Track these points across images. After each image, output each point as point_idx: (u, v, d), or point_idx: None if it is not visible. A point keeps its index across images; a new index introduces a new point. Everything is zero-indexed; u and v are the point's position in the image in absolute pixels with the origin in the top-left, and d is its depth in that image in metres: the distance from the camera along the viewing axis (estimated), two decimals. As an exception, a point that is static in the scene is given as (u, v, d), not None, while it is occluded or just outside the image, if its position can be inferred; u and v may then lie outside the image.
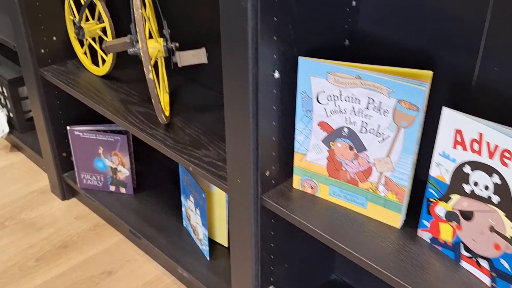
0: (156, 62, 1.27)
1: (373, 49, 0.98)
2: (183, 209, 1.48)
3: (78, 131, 1.54)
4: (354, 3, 0.96)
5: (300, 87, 0.90)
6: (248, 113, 0.90)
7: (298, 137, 0.95)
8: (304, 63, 0.88)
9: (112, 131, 1.55)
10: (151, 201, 1.60)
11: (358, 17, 0.97)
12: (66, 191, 1.74)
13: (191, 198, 1.38)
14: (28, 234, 1.63)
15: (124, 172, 1.59)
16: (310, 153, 0.96)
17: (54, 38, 1.51)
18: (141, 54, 1.09)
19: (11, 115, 1.91)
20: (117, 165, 1.58)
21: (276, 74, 0.89)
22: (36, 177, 1.85)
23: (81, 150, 1.57)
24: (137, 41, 1.22)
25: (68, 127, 1.55)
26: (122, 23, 1.48)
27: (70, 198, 1.76)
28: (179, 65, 1.18)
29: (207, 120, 1.30)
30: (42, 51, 1.50)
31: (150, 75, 1.10)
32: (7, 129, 1.90)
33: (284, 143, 0.98)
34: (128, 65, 1.49)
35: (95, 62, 1.49)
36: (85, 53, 1.50)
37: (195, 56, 1.17)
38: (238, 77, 0.88)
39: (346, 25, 0.98)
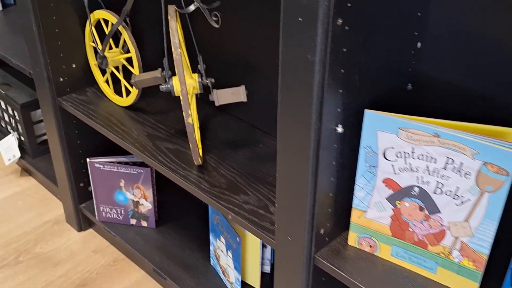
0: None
1: (437, 94, 0.89)
2: (211, 248, 1.39)
3: (98, 164, 1.45)
4: (419, 44, 0.87)
5: (364, 141, 0.82)
6: (307, 170, 0.82)
7: (358, 193, 0.87)
8: (371, 116, 0.79)
9: (135, 163, 1.46)
10: (174, 235, 1.51)
11: (423, 59, 0.89)
12: (83, 221, 1.65)
13: (222, 239, 1.29)
14: (44, 270, 1.53)
15: (147, 206, 1.50)
16: (371, 210, 0.87)
17: (74, 66, 1.41)
18: (180, 97, 0.99)
19: (22, 138, 1.81)
20: (139, 198, 1.49)
21: (339, 129, 0.81)
22: (50, 205, 1.76)
23: (101, 182, 1.48)
24: (170, 77, 1.13)
25: (88, 159, 1.46)
26: (146, 50, 1.39)
27: (87, 229, 1.67)
28: (217, 104, 1.09)
29: (241, 158, 1.21)
30: (61, 79, 1.40)
31: (189, 119, 1.01)
32: (18, 154, 1.80)
33: (341, 199, 0.89)
34: (151, 94, 1.40)
35: (117, 90, 1.40)
36: (106, 81, 1.40)
37: (234, 95, 1.08)
38: (298, 132, 0.80)
39: (410, 68, 0.89)
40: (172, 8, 1.06)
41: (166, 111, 1.37)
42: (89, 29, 1.36)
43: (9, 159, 1.81)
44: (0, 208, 1.74)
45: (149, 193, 1.47)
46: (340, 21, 0.70)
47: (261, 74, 1.20)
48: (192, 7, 1.01)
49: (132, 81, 1.18)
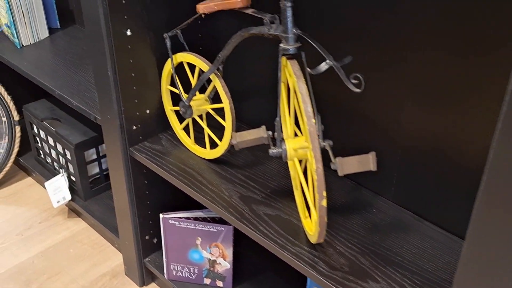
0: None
1: None
2: (306, 319, 1.23)
3: (173, 220, 1.29)
4: None
5: None
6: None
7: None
8: None
9: (213, 219, 1.30)
10: (255, 298, 1.36)
11: None
12: (146, 276, 1.49)
13: (325, 315, 1.14)
14: (108, 334, 1.38)
15: (224, 265, 1.34)
16: None
17: (147, 112, 1.25)
18: (314, 176, 0.83)
19: (72, 178, 1.65)
20: (217, 257, 1.33)
21: None
22: (104, 254, 1.60)
23: (175, 240, 1.32)
24: (282, 140, 0.97)
25: (161, 215, 1.30)
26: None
27: (149, 283, 1.51)
28: (340, 174, 0.93)
29: (355, 227, 1.05)
30: (134, 127, 1.24)
31: (323, 202, 0.84)
32: (68, 196, 1.64)
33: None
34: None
35: (196, 139, 1.24)
36: (184, 128, 1.25)
37: (361, 163, 0.92)
38: None
39: None
40: (295, 65, 0.89)
41: (254, 164, 1.20)
42: (167, 73, 1.20)
43: (58, 201, 1.65)
44: (50, 257, 1.58)
45: (229, 252, 1.31)
46: None
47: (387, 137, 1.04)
48: (323, 67, 0.85)
49: (234, 142, 1.02)
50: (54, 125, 1.62)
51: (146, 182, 1.33)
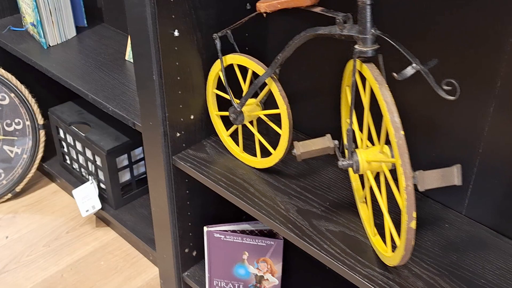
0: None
1: None
2: None
3: (218, 233, 1.20)
4: None
5: None
6: None
7: None
8: None
9: (261, 232, 1.21)
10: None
11: None
12: (183, 290, 1.41)
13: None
14: None
15: (272, 281, 1.25)
16: None
17: (192, 117, 1.16)
18: (403, 195, 0.73)
19: (103, 186, 1.57)
20: (265, 273, 1.24)
21: None
22: (137, 266, 1.52)
23: (219, 254, 1.23)
24: (353, 153, 0.88)
25: (206, 228, 1.21)
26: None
27: (187, 298, 1.43)
28: (421, 189, 0.83)
29: (429, 245, 0.95)
30: (178, 134, 1.15)
31: (412, 224, 0.75)
32: (99, 205, 1.55)
33: None
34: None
35: (245, 146, 1.15)
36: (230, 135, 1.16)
37: (444, 177, 0.83)
38: None
39: None
40: (375, 70, 0.80)
41: (308, 173, 1.11)
42: (214, 76, 1.11)
43: (87, 210, 1.56)
44: (80, 270, 1.50)
45: (278, 268, 1.23)
46: None
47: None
48: (410, 71, 0.75)
49: (297, 152, 0.92)
50: (83, 129, 1.53)
51: (187, 192, 1.24)
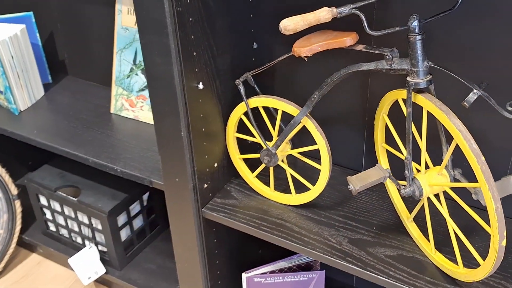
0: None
1: None
2: None
3: (258, 277, 1.18)
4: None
5: None
6: None
7: None
8: None
9: (299, 266, 1.21)
10: None
11: None
12: None
13: None
14: None
15: (314, 312, 1.25)
16: None
17: (215, 165, 1.13)
18: (494, 217, 0.76)
19: (103, 249, 1.47)
20: (307, 306, 1.24)
21: None
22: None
23: (260, 297, 1.21)
24: (414, 179, 0.90)
25: (244, 275, 1.18)
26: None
27: None
28: (484, 204, 0.88)
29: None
30: (205, 185, 1.11)
31: (503, 242, 0.78)
32: (102, 270, 1.46)
33: None
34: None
35: (267, 182, 1.14)
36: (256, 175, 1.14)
37: (503, 188, 0.88)
38: None
39: None
40: (435, 100, 0.82)
41: (343, 201, 1.12)
42: (235, 121, 1.09)
43: (89, 277, 1.46)
44: None
45: (319, 298, 1.23)
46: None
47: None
48: (472, 97, 0.79)
49: (354, 188, 0.93)
50: (77, 194, 1.43)
51: (215, 241, 1.21)
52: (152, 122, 1.33)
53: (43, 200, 1.52)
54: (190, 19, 0.93)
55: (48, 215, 1.54)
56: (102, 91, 1.49)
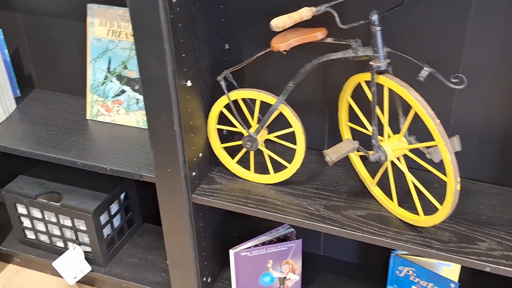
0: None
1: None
2: (388, 300, 1.36)
3: (245, 251, 1.32)
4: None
5: None
6: None
7: None
8: None
9: (278, 239, 1.36)
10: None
11: None
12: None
13: (414, 288, 1.28)
14: None
15: (294, 278, 1.41)
16: None
17: (200, 155, 1.26)
18: (450, 166, 0.95)
19: (86, 249, 1.55)
20: (287, 273, 1.39)
21: None
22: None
23: (247, 270, 1.35)
24: (380, 146, 1.08)
25: (232, 251, 1.32)
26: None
27: (207, 324, 1.51)
28: (437, 161, 1.08)
29: (433, 205, 1.20)
30: (193, 174, 1.24)
31: (458, 187, 0.98)
32: (87, 268, 1.53)
33: None
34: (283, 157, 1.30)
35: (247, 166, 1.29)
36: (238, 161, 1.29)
37: (451, 145, 1.08)
38: None
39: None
40: (395, 78, 1.01)
41: (314, 175, 1.29)
42: (216, 114, 1.23)
43: (75, 277, 1.54)
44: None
45: (298, 265, 1.39)
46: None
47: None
48: (424, 73, 0.98)
49: (331, 159, 1.10)
50: (55, 199, 1.50)
51: (202, 224, 1.34)
52: (129, 124, 1.46)
53: (21, 209, 1.57)
54: (180, 25, 1.07)
55: (26, 223, 1.60)
56: (73, 100, 1.57)
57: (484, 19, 1.08)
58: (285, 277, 1.40)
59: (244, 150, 1.26)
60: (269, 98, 1.17)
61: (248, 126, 1.24)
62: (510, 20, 1.06)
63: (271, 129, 1.27)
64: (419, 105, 0.97)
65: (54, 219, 1.54)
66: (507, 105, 1.15)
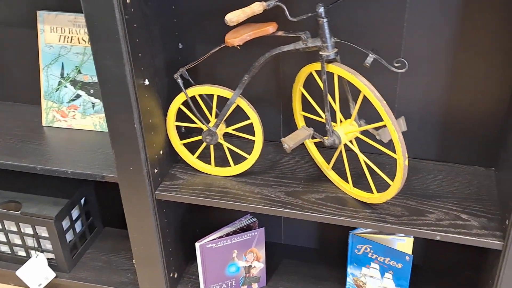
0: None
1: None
2: (349, 279, 1.43)
3: (210, 243, 1.36)
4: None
5: None
6: None
7: None
8: None
9: (242, 229, 1.41)
10: (288, 285, 1.50)
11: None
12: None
13: (373, 265, 1.35)
14: None
15: (259, 266, 1.45)
16: None
17: (161, 152, 1.29)
18: (398, 143, 1.03)
19: (49, 256, 1.54)
20: (252, 261, 1.44)
21: None
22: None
23: (213, 261, 1.39)
24: (333, 131, 1.15)
25: (197, 244, 1.35)
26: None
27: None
28: (386, 141, 1.15)
29: (385, 183, 1.28)
30: (155, 171, 1.27)
31: (407, 162, 1.06)
32: (52, 274, 1.53)
33: None
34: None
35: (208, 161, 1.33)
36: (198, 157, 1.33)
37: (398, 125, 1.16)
38: None
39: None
40: (343, 65, 1.08)
41: (272, 165, 1.35)
42: (174, 111, 1.27)
43: (40, 284, 1.53)
44: None
45: (262, 253, 1.44)
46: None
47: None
48: (370, 59, 1.05)
49: (288, 146, 1.16)
50: (15, 208, 1.49)
51: (166, 220, 1.37)
52: (86, 128, 1.47)
53: (-21, 222, 1.55)
54: (135, 25, 1.10)
55: (-15, 235, 1.58)
56: (25, 108, 1.57)
57: (419, 8, 1.17)
58: (250, 266, 1.45)
59: (204, 145, 1.30)
60: (226, 93, 1.22)
61: (207, 121, 1.28)
62: (442, 9, 1.16)
63: (228, 123, 1.32)
64: (367, 89, 1.04)
65: (14, 228, 1.53)
66: (444, 86, 1.24)
